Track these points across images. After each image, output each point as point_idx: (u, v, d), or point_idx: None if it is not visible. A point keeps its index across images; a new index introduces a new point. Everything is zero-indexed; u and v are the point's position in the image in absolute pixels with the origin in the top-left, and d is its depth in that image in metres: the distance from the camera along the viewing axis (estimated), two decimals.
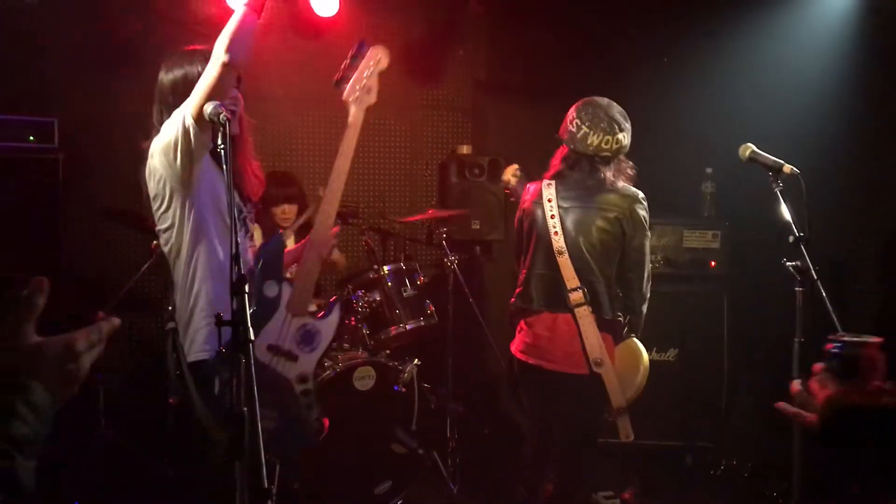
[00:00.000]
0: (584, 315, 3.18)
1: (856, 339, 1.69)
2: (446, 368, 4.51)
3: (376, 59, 2.99)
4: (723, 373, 4.72)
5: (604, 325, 3.22)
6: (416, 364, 4.07)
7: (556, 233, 3.24)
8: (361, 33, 5.10)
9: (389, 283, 4.25)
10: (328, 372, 3.79)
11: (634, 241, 3.23)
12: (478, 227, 5.29)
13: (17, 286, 1.15)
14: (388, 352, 4.19)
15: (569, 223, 3.25)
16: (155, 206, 2.66)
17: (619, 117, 3.24)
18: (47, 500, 3.84)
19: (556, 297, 3.23)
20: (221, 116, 2.31)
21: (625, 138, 3.23)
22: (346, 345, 4.17)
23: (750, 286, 4.74)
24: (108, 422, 4.09)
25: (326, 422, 2.92)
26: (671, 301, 4.57)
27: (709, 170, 4.90)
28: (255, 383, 1.99)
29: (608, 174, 3.23)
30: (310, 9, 4.80)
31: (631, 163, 3.33)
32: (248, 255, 2.75)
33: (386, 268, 4.30)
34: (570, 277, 3.20)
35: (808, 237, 2.75)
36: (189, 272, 2.64)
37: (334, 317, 2.93)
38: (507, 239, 5.20)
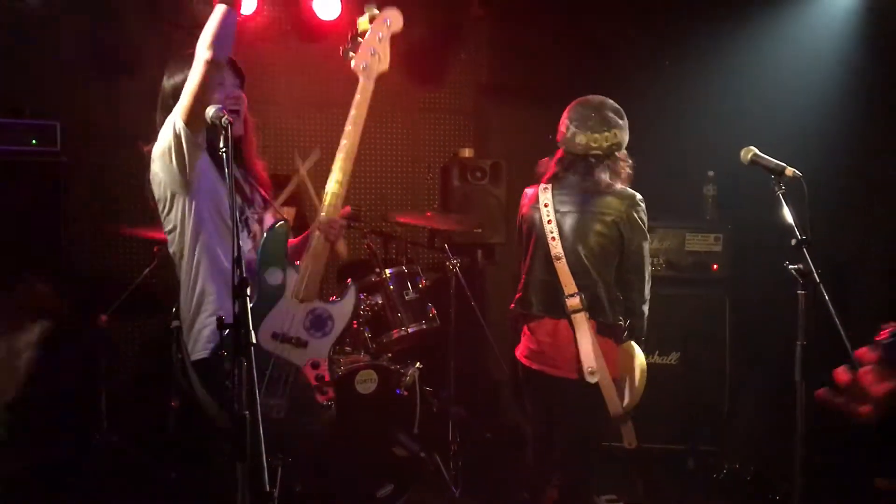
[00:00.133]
0: (580, 322, 3.15)
1: None
2: (448, 372, 4.50)
3: (388, 22, 2.95)
4: (725, 376, 4.71)
5: (605, 329, 3.19)
6: (417, 367, 4.07)
7: (553, 238, 3.21)
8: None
9: (391, 287, 4.25)
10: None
11: (633, 244, 3.19)
12: (480, 230, 5.29)
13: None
14: (389, 355, 4.19)
15: (566, 228, 3.22)
16: (159, 210, 2.70)
17: (609, 115, 3.21)
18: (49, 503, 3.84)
19: (556, 303, 3.21)
20: (223, 119, 2.33)
21: (616, 136, 3.20)
22: (347, 348, 4.17)
23: (752, 289, 4.74)
24: (111, 424, 4.09)
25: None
26: (673, 304, 4.57)
27: (711, 173, 4.90)
28: (256, 386, 1.99)
29: (602, 174, 3.21)
30: (312, 12, 4.81)
31: (630, 161, 3.30)
32: (253, 256, 2.75)
33: (388, 271, 4.30)
34: (568, 283, 3.17)
35: (810, 240, 2.75)
36: (191, 272, 2.66)
37: (349, 301, 2.86)
38: (509, 242, 5.19)
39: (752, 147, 3.02)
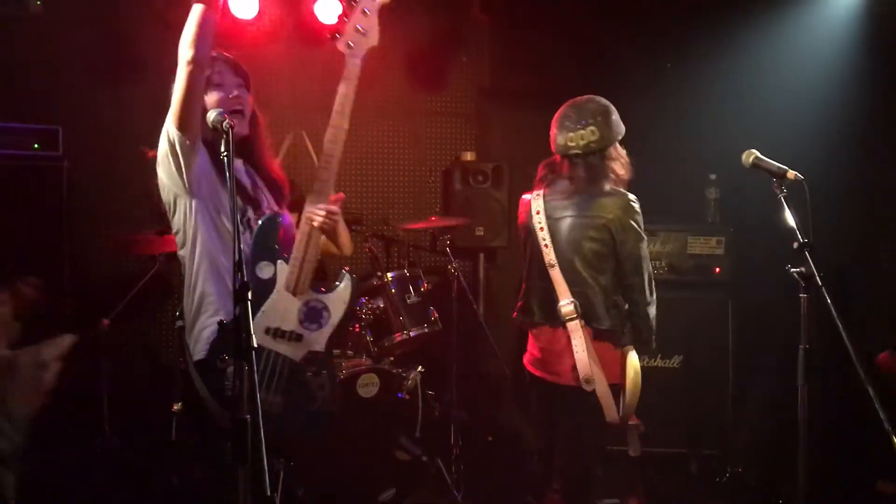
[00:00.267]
0: (575, 329, 3.10)
1: None
2: (450, 375, 4.50)
3: None
4: (728, 379, 4.70)
5: (602, 335, 3.15)
6: (419, 371, 4.06)
7: (546, 245, 3.19)
8: None
9: (393, 290, 4.25)
10: None
11: (626, 247, 3.12)
12: (482, 233, 5.29)
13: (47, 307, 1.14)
14: (391, 359, 4.19)
15: (558, 235, 3.18)
16: (168, 214, 2.73)
17: (588, 112, 3.14)
18: None
19: (553, 311, 3.17)
20: (224, 124, 2.34)
21: (593, 133, 3.11)
22: (349, 352, 4.17)
23: (754, 292, 4.73)
24: (112, 428, 4.09)
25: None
26: (675, 307, 4.56)
27: (712, 176, 4.90)
28: (257, 389, 1.99)
29: (583, 174, 3.15)
30: (314, 16, 4.82)
31: (623, 160, 3.21)
32: None
33: (390, 275, 4.30)
34: (562, 291, 3.14)
35: (812, 243, 2.74)
36: (192, 273, 2.67)
37: (344, 290, 2.75)
38: (511, 245, 5.20)
39: (753, 150, 3.01)
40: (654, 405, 3.36)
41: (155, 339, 4.85)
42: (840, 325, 2.55)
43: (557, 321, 3.16)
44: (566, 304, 3.12)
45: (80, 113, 4.44)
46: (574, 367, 3.12)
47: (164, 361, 4.75)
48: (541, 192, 3.28)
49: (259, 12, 4.77)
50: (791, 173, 2.87)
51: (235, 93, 2.73)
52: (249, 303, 2.05)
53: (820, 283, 2.66)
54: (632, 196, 3.16)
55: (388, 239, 5.08)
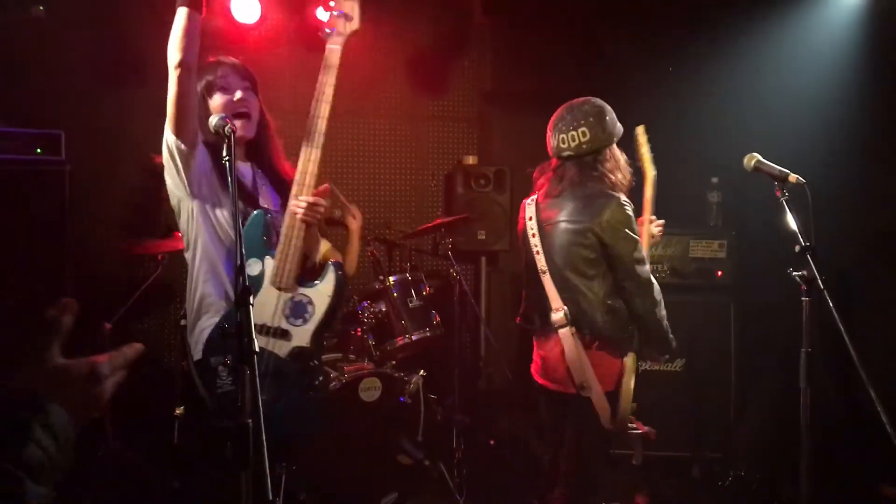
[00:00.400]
0: (566, 337, 3.05)
1: None
2: (452, 379, 4.50)
3: None
4: (730, 383, 4.70)
5: (598, 342, 3.07)
6: (421, 375, 4.06)
7: (537, 252, 3.14)
8: (367, 45, 5.12)
9: (395, 294, 4.25)
10: (334, 383, 3.79)
11: (616, 250, 3.01)
12: (483, 237, 5.29)
13: (46, 307, 1.14)
14: (393, 363, 4.19)
15: (548, 241, 3.13)
16: (176, 218, 2.76)
17: (581, 113, 3.08)
18: None
19: (548, 317, 3.13)
20: (226, 128, 2.34)
21: (585, 134, 3.04)
22: (351, 356, 4.17)
23: (756, 296, 4.73)
24: (115, 433, 4.09)
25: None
26: (678, 311, 4.53)
27: (714, 179, 4.90)
28: (259, 393, 1.99)
29: (575, 177, 3.08)
30: (316, 21, 4.82)
31: (620, 163, 3.13)
32: None
33: (391, 278, 4.30)
34: (553, 297, 3.09)
35: (814, 246, 2.74)
36: (194, 274, 2.71)
37: (327, 283, 2.68)
38: (513, 249, 5.20)
39: (755, 153, 3.01)
40: (656, 408, 3.34)
41: (157, 342, 4.85)
42: (842, 329, 2.55)
43: (552, 328, 3.12)
44: (556, 311, 3.07)
45: (83, 117, 4.44)
46: (568, 374, 3.08)
47: (166, 365, 4.75)
48: (534, 197, 3.25)
49: (261, 17, 4.78)
50: (793, 177, 2.87)
51: (241, 95, 2.74)
52: (236, 297, 2.05)
53: (822, 287, 2.66)
54: (623, 199, 3.06)
55: (390, 243, 5.09)
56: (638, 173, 3.29)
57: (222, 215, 2.68)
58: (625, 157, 3.18)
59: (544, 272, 3.12)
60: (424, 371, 4.09)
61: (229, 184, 2.22)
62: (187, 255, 2.75)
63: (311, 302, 2.66)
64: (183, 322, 2.79)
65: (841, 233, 4.20)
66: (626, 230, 3.00)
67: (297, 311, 2.65)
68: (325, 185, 2.74)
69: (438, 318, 4.37)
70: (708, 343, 4.67)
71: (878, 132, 4.36)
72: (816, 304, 2.71)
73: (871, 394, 2.47)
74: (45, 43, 4.44)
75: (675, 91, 5.15)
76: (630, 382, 3.06)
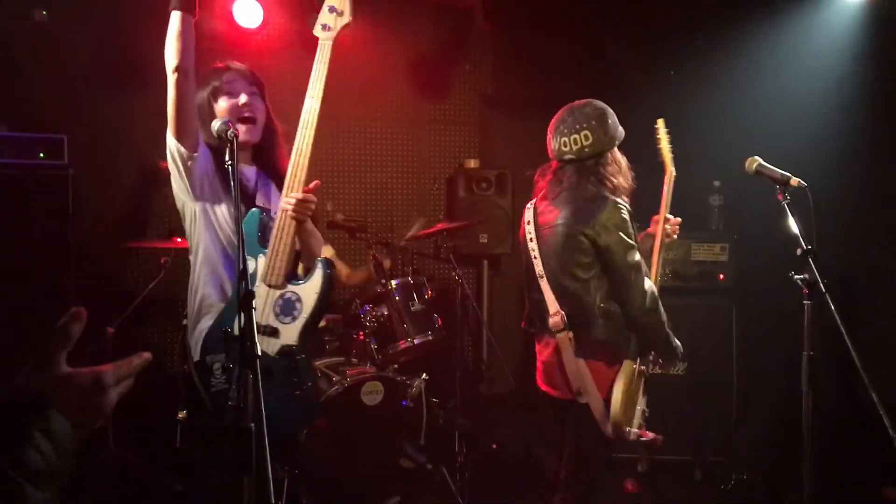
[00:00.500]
0: (563, 341, 3.02)
1: None
2: (454, 383, 4.50)
3: None
4: (732, 386, 4.70)
5: (594, 347, 3.01)
6: (424, 379, 4.06)
7: (535, 256, 3.11)
8: (369, 49, 5.14)
9: (397, 298, 4.25)
10: (336, 387, 3.80)
11: (609, 253, 2.94)
12: (485, 240, 5.30)
13: (56, 315, 1.14)
14: (395, 366, 4.19)
15: (545, 244, 3.09)
16: (182, 222, 2.79)
17: (583, 116, 3.03)
18: None
19: (547, 322, 3.09)
20: (229, 133, 2.35)
21: (588, 137, 2.99)
22: (353, 359, 4.17)
23: (758, 299, 4.73)
24: (117, 437, 4.09)
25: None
26: (679, 314, 4.53)
27: (716, 183, 4.90)
28: (261, 397, 1.99)
29: (575, 180, 3.03)
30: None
31: (621, 167, 3.08)
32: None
33: (394, 282, 4.30)
34: (550, 302, 3.05)
35: (816, 250, 2.74)
36: (195, 276, 2.73)
37: (315, 280, 2.65)
38: (515, 253, 5.20)
39: (756, 157, 3.01)
40: (658, 412, 3.33)
41: (160, 346, 4.86)
42: (844, 332, 2.55)
43: (551, 333, 3.08)
44: (553, 315, 3.04)
45: (85, 122, 4.46)
46: (566, 379, 3.05)
47: (168, 369, 4.76)
48: (533, 201, 3.23)
49: (263, 21, 4.80)
50: (794, 180, 2.87)
51: (246, 100, 2.75)
52: (239, 301, 2.06)
53: (823, 290, 2.66)
54: (619, 201, 2.99)
55: (393, 246, 5.09)
56: (647, 169, 3.27)
57: (222, 216, 2.70)
58: (625, 160, 3.13)
59: (542, 276, 3.09)
60: (426, 375, 4.09)
61: (231, 188, 2.22)
62: (191, 258, 2.78)
63: (299, 299, 2.65)
64: (185, 322, 2.79)
65: (842, 236, 4.20)
66: (620, 233, 2.94)
67: (287, 308, 2.64)
68: (316, 182, 2.72)
69: (440, 322, 4.37)
70: (710, 346, 4.67)
71: (879, 135, 4.37)
72: (818, 307, 2.71)
73: (873, 397, 2.47)
74: (48, 47, 4.45)
75: (676, 94, 5.15)
76: (620, 389, 2.97)
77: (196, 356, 2.65)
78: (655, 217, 3.28)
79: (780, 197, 2.88)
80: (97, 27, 4.54)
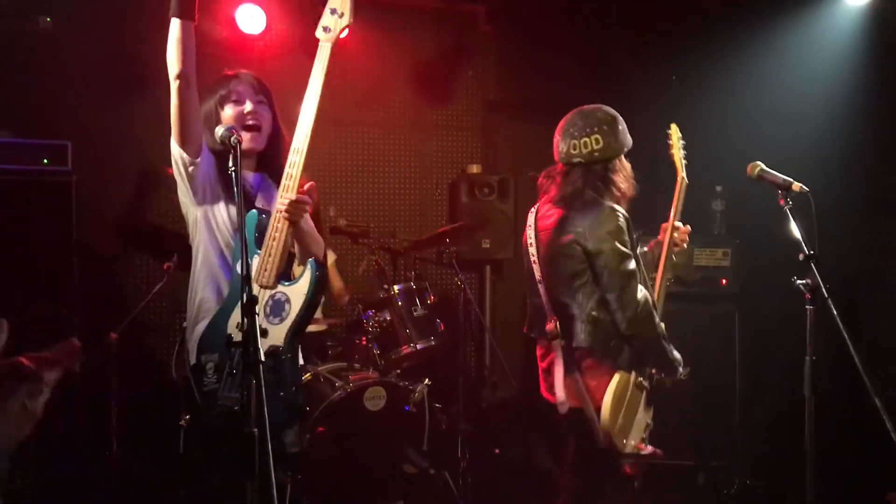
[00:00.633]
0: (556, 348, 3.01)
1: None
2: (457, 388, 4.50)
3: None
4: (735, 390, 4.69)
5: (585, 355, 2.99)
6: (426, 384, 4.06)
7: (534, 261, 3.10)
8: (371, 54, 5.15)
9: (399, 303, 4.26)
10: (339, 392, 3.80)
11: (599, 262, 2.90)
12: (488, 245, 5.30)
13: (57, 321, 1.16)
14: (398, 372, 4.19)
15: (542, 250, 3.08)
16: (187, 227, 2.81)
17: (595, 120, 3.00)
18: None
19: (544, 328, 3.08)
20: (232, 139, 2.36)
21: (598, 141, 2.96)
22: (356, 365, 4.18)
23: (761, 304, 4.72)
24: (120, 442, 4.10)
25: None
26: (682, 319, 4.53)
27: (718, 188, 4.90)
28: (264, 403, 2.00)
29: (579, 185, 2.99)
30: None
31: (623, 174, 3.05)
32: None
33: (396, 287, 4.31)
34: (548, 308, 3.04)
35: (818, 255, 2.74)
36: (194, 279, 2.75)
37: (305, 280, 2.61)
38: (517, 258, 5.20)
39: (758, 162, 3.01)
40: (661, 417, 3.32)
41: (163, 352, 4.86)
42: (846, 337, 2.55)
43: (548, 339, 3.07)
44: (549, 321, 3.02)
45: (89, 128, 4.47)
46: (565, 388, 3.02)
47: (172, 374, 4.77)
48: (537, 204, 3.21)
49: (266, 27, 4.81)
50: (796, 185, 2.87)
51: (251, 108, 2.76)
52: (242, 306, 2.06)
53: (826, 295, 2.66)
54: (616, 208, 2.96)
55: (395, 251, 5.10)
56: (647, 175, 3.24)
57: (221, 220, 2.72)
58: (629, 166, 3.11)
59: (540, 281, 3.08)
60: (429, 380, 4.09)
61: (235, 194, 2.23)
62: (192, 262, 2.80)
63: (288, 300, 2.62)
64: (185, 325, 2.80)
65: (845, 241, 4.20)
66: (614, 241, 2.90)
67: (276, 309, 2.62)
68: (311, 183, 2.70)
69: (443, 327, 4.37)
70: (712, 351, 4.67)
71: (881, 140, 4.36)
72: (820, 312, 2.71)
73: (876, 402, 2.46)
74: (52, 53, 4.47)
75: (678, 99, 5.16)
76: (609, 399, 2.91)
77: (193, 359, 2.66)
78: (664, 224, 3.26)
79: (782, 202, 2.87)
80: (101, 33, 4.56)
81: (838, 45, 4.58)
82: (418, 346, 4.20)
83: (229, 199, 2.69)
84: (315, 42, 2.72)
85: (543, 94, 5.61)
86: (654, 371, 3.09)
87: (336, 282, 4.91)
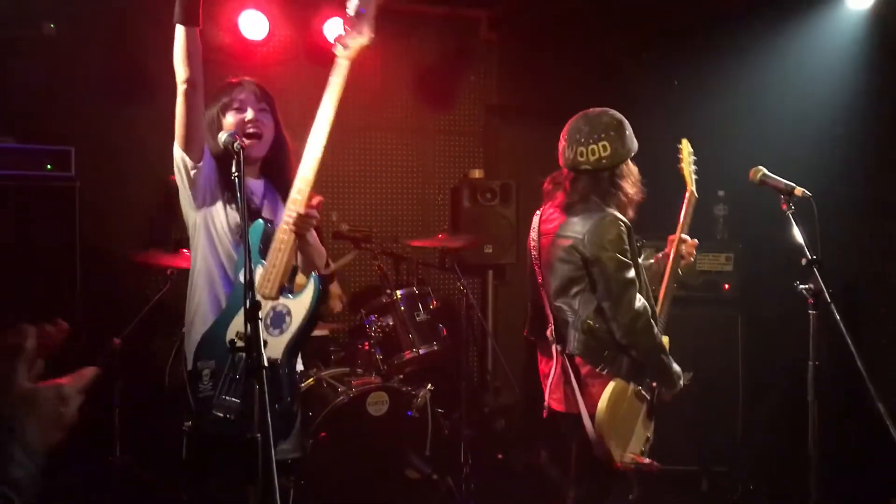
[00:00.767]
0: (556, 354, 3.00)
1: None
2: (460, 393, 4.50)
3: None
4: (738, 396, 4.69)
5: (573, 361, 2.95)
6: (429, 389, 4.06)
7: (536, 266, 3.10)
8: (374, 60, 5.16)
9: (402, 308, 4.26)
10: (341, 398, 3.80)
11: (598, 269, 2.86)
12: (490, 250, 5.31)
13: (4, 333, 1.17)
14: (401, 377, 4.19)
15: (543, 254, 3.06)
16: (188, 232, 2.82)
17: (601, 126, 2.93)
18: None
19: (544, 332, 3.08)
20: (235, 145, 2.37)
21: (606, 148, 2.90)
22: (359, 370, 4.18)
23: (763, 309, 4.72)
24: (124, 446, 4.10)
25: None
26: (684, 324, 4.54)
27: (721, 192, 4.90)
28: (267, 408, 2.00)
29: (585, 191, 2.95)
30: (323, 37, 4.86)
31: (631, 179, 3.00)
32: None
33: (399, 292, 4.31)
34: (548, 313, 3.04)
35: (820, 259, 2.74)
36: (194, 284, 2.76)
37: (307, 294, 2.59)
38: (520, 263, 5.21)
39: (761, 167, 3.02)
40: (663, 422, 3.31)
41: (166, 357, 4.86)
42: (849, 341, 2.55)
43: (548, 344, 3.06)
44: (549, 326, 3.02)
45: (93, 134, 4.48)
46: (565, 394, 3.00)
47: (175, 379, 4.77)
48: (539, 210, 3.19)
49: (269, 33, 4.82)
50: (799, 190, 2.87)
51: (252, 116, 2.76)
52: (246, 312, 2.06)
53: (829, 300, 2.66)
54: (618, 216, 2.92)
55: (397, 256, 5.10)
56: (651, 180, 3.21)
57: (221, 227, 2.72)
58: (636, 170, 3.06)
59: (541, 285, 3.08)
60: (432, 385, 4.09)
61: (238, 199, 2.24)
62: (192, 268, 2.81)
63: (289, 313, 2.60)
64: (184, 331, 2.81)
65: (847, 245, 4.20)
66: (612, 249, 2.85)
67: (276, 320, 2.61)
68: (319, 198, 2.71)
69: (445, 332, 4.37)
70: (715, 356, 4.66)
71: (883, 145, 4.37)
72: (823, 316, 2.71)
73: (879, 407, 2.47)
74: (56, 60, 4.48)
75: (681, 103, 5.16)
76: (604, 408, 2.87)
77: (189, 365, 2.67)
78: (672, 237, 3.23)
79: (784, 207, 2.88)
80: (104, 40, 4.57)
81: (840, 49, 4.58)
82: (421, 351, 4.20)
83: (230, 204, 2.71)
84: (317, 49, 2.72)
85: (546, 99, 5.61)
86: (654, 384, 3.06)
87: (333, 288, 4.91)
